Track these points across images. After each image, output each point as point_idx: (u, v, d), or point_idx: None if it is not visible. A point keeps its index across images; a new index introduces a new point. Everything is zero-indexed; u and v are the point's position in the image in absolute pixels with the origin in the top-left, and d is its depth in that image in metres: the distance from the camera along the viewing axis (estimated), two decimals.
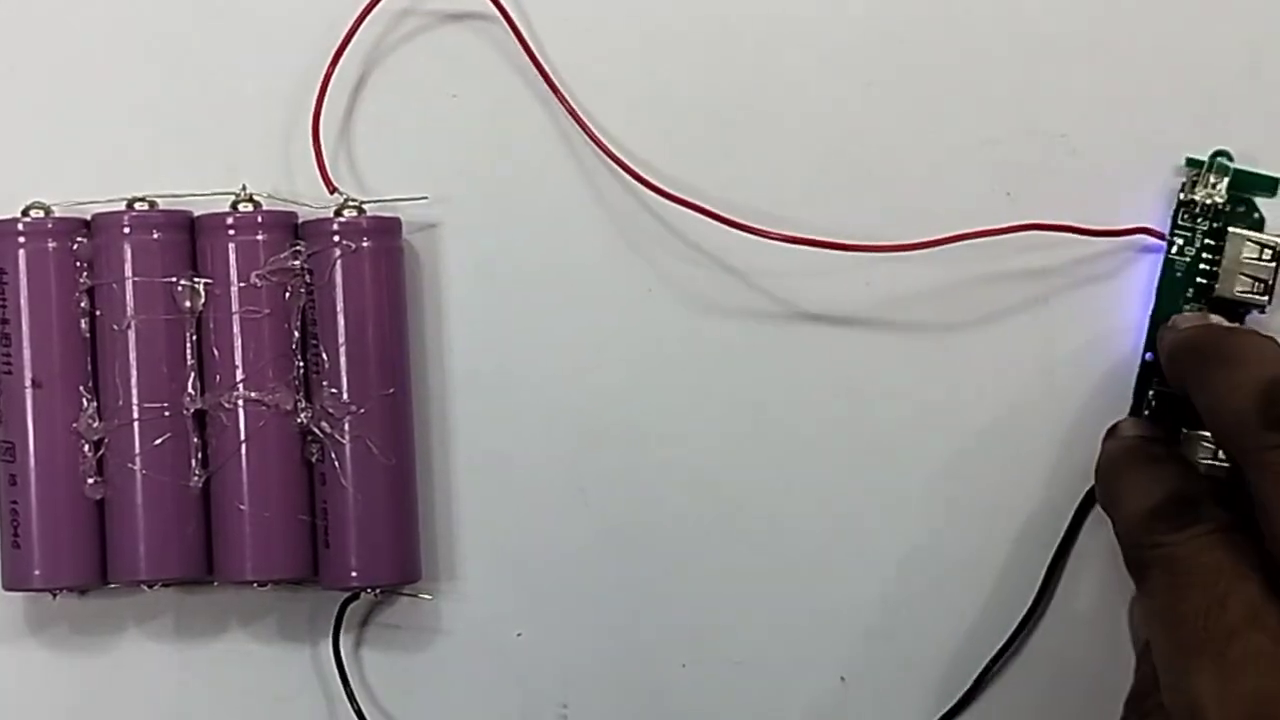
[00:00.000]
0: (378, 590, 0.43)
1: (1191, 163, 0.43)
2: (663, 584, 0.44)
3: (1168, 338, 0.41)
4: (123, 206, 0.42)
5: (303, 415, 0.42)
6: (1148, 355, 0.43)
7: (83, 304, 0.42)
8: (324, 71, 0.43)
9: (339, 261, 0.42)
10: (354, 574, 0.42)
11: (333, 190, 0.43)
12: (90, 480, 0.42)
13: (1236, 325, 0.42)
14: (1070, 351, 0.44)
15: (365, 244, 0.42)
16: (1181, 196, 0.43)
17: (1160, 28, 0.44)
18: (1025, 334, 0.44)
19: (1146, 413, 0.43)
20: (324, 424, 0.42)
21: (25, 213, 0.42)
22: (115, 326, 0.42)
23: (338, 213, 0.42)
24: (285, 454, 0.42)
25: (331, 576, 0.43)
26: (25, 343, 0.42)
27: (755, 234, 0.43)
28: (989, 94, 0.44)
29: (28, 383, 0.42)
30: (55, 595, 0.43)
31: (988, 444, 0.44)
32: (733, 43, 0.44)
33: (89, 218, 0.43)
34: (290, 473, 0.42)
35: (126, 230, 0.42)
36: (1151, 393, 0.43)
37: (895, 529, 0.44)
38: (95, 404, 0.42)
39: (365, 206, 0.43)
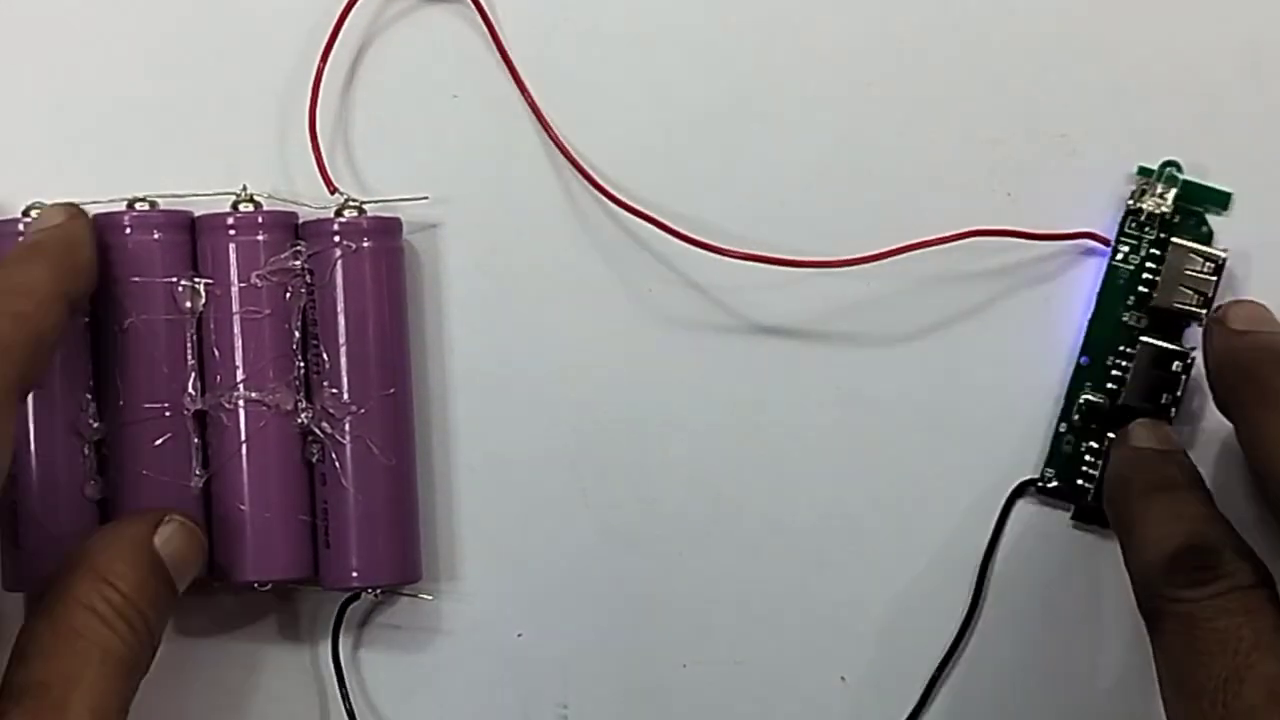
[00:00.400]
0: (378, 590, 0.43)
1: (1143, 171, 0.43)
2: (663, 584, 0.44)
3: (1217, 342, 0.41)
4: (123, 206, 0.42)
5: (303, 415, 0.42)
6: (1083, 359, 0.43)
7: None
8: (315, 68, 0.43)
9: (339, 262, 0.42)
10: (354, 574, 0.42)
11: (333, 190, 0.43)
12: (90, 481, 0.42)
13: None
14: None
15: (366, 244, 0.42)
16: (1130, 204, 0.43)
17: (1160, 28, 0.44)
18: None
19: (1077, 418, 0.43)
20: (324, 424, 0.42)
21: (26, 213, 0.42)
22: (116, 326, 0.42)
23: (338, 213, 0.42)
24: (286, 454, 0.42)
25: (332, 577, 0.42)
26: None
27: (709, 250, 0.43)
28: (989, 94, 0.44)
29: None
30: None
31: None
32: (732, 43, 0.44)
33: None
34: (291, 473, 0.42)
35: (127, 230, 0.42)
36: (1082, 399, 0.43)
37: (895, 529, 0.44)
38: (95, 404, 0.42)
39: (366, 207, 0.43)
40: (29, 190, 0.43)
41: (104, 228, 0.42)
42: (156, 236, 0.42)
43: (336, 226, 0.42)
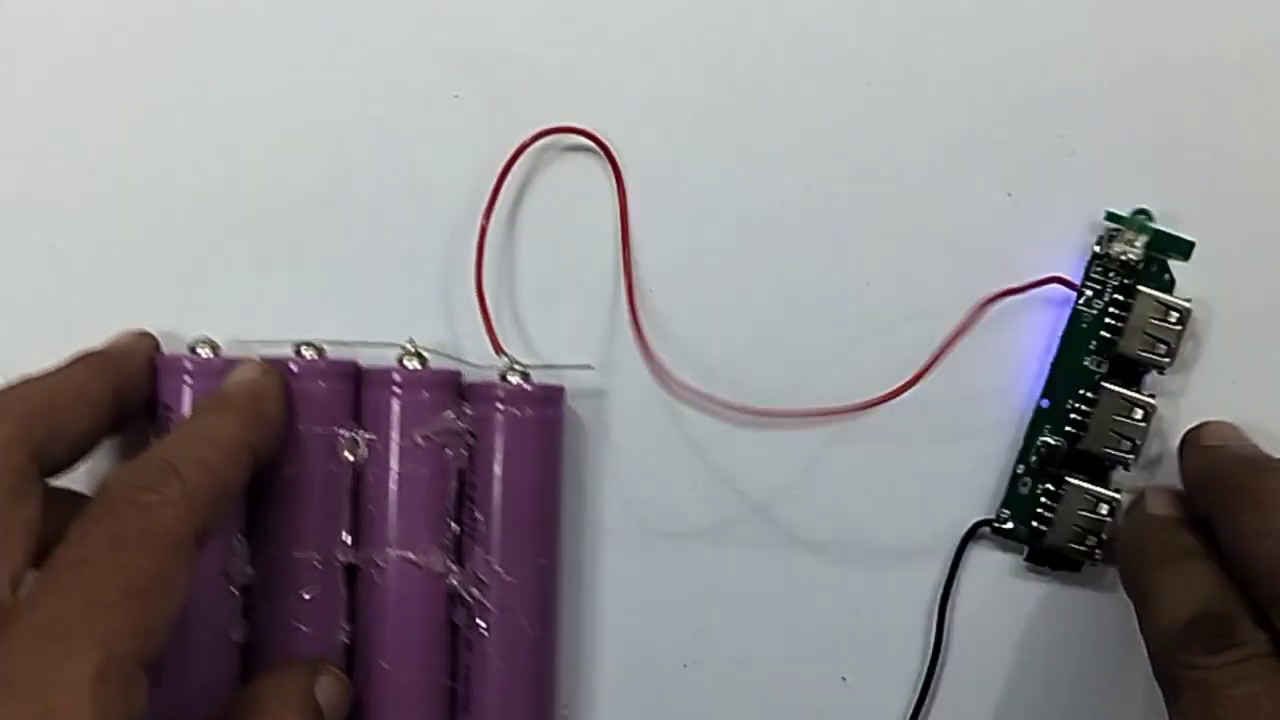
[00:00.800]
0: None
1: (1112, 217, 0.43)
2: (663, 584, 0.44)
3: (1191, 459, 0.42)
4: (289, 350, 0.42)
5: (453, 578, 0.42)
6: (1043, 402, 0.43)
7: None
8: (479, 224, 0.43)
9: (501, 428, 0.42)
10: None
11: (499, 352, 0.43)
12: (236, 625, 0.42)
13: (1263, 453, 0.41)
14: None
15: (529, 412, 0.42)
16: (1097, 249, 0.43)
17: (1160, 28, 0.44)
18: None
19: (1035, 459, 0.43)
20: (474, 589, 0.42)
21: (193, 350, 0.42)
22: (274, 472, 0.42)
23: (503, 376, 0.42)
24: (432, 616, 0.42)
25: None
26: None
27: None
28: (989, 94, 0.44)
29: None
30: None
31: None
32: (732, 43, 0.44)
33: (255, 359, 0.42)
34: (435, 635, 0.42)
35: (293, 377, 0.42)
36: (1040, 440, 0.44)
37: (894, 530, 0.44)
38: (248, 548, 0.42)
39: (530, 372, 0.42)
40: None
41: None
42: (322, 385, 0.42)
43: (501, 393, 0.42)
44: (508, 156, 0.43)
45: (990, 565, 0.44)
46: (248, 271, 0.45)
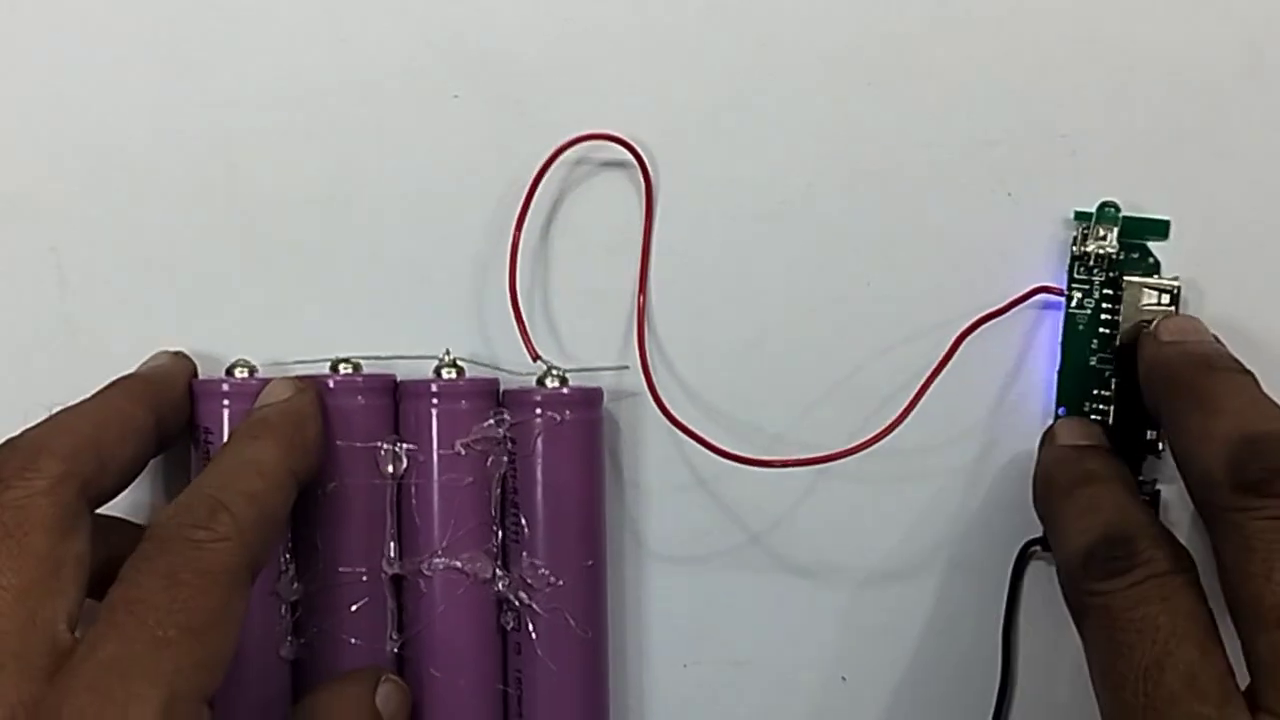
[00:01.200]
0: None
1: (1080, 216, 0.43)
2: (664, 584, 0.45)
3: (1147, 352, 0.41)
4: (326, 368, 0.43)
5: (500, 584, 0.42)
6: (1060, 410, 0.43)
7: None
8: (511, 235, 0.43)
9: (541, 433, 0.42)
10: None
11: (535, 358, 0.43)
12: (286, 641, 0.42)
13: (1220, 351, 0.41)
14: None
15: (568, 415, 0.42)
16: (1074, 250, 0.43)
17: (1160, 28, 0.44)
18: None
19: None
20: (521, 593, 0.42)
21: (230, 372, 0.43)
22: (318, 489, 0.42)
23: (540, 382, 0.42)
24: (481, 622, 0.42)
25: None
26: None
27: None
28: (989, 94, 0.44)
29: None
30: None
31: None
32: (732, 43, 0.44)
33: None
34: (485, 641, 0.42)
35: (331, 393, 0.42)
36: None
37: (894, 530, 0.44)
38: (294, 566, 0.42)
39: (567, 375, 0.43)
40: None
41: None
42: (361, 401, 0.42)
43: (539, 397, 0.42)
44: (536, 168, 0.43)
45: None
46: (248, 270, 0.45)
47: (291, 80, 0.44)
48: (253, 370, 0.43)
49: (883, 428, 0.42)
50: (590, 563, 0.42)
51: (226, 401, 0.42)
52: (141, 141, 0.45)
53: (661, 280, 0.44)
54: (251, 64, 0.45)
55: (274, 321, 0.44)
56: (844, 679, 0.45)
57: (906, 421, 0.42)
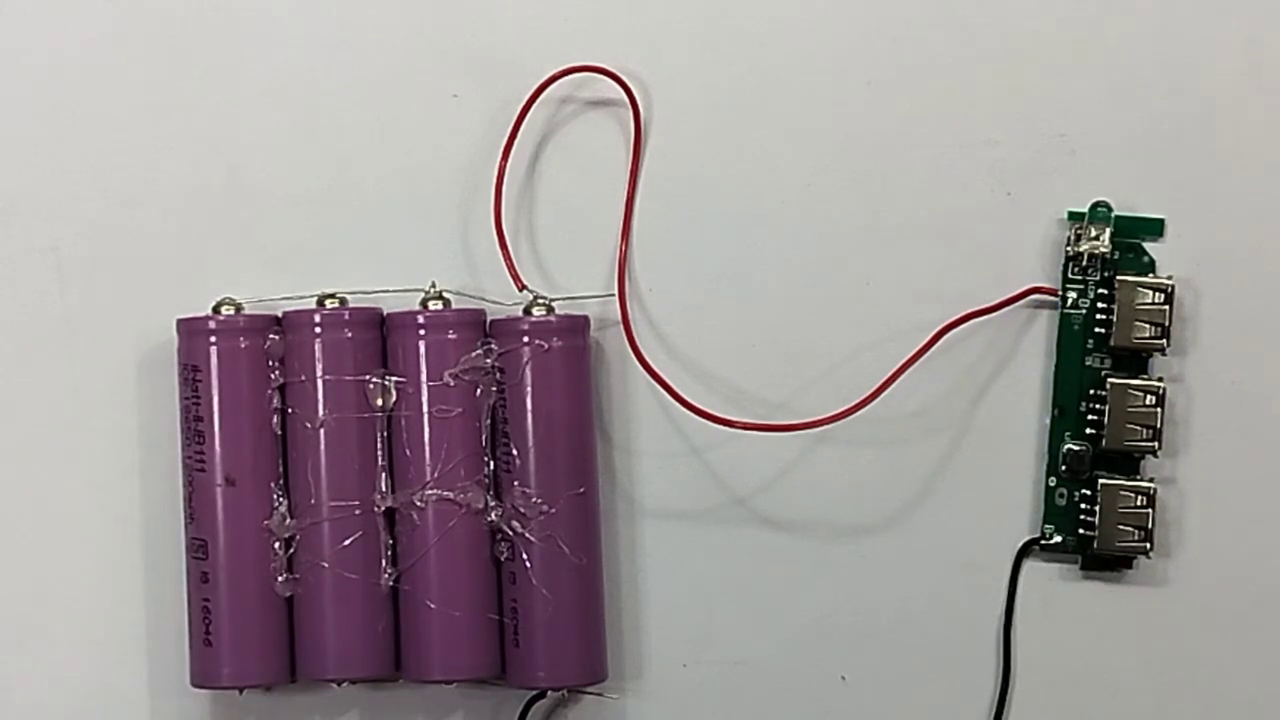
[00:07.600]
0: (564, 690, 0.43)
1: (1073, 216, 0.43)
2: (665, 583, 0.44)
3: None
4: (313, 304, 0.43)
5: (493, 514, 0.42)
6: (1055, 411, 0.43)
7: (274, 402, 0.42)
8: (497, 166, 0.44)
9: (530, 361, 0.42)
10: (541, 674, 0.42)
11: (521, 287, 0.43)
12: (281, 578, 0.42)
13: None
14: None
15: (556, 343, 0.42)
16: (1068, 250, 0.43)
17: (1159, 28, 0.44)
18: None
19: (1064, 468, 0.43)
20: (514, 523, 0.42)
21: (216, 310, 0.43)
22: (307, 424, 0.42)
23: (527, 311, 0.42)
24: (475, 552, 0.42)
25: (519, 676, 0.42)
26: (217, 440, 0.42)
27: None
28: (989, 94, 0.44)
29: (220, 480, 0.42)
30: (241, 692, 0.43)
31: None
32: (732, 42, 0.44)
33: (279, 314, 0.43)
34: (479, 571, 0.42)
35: (318, 328, 0.42)
36: (1064, 449, 0.43)
37: (894, 529, 0.44)
38: (287, 502, 0.42)
39: (554, 304, 0.43)
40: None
41: (295, 325, 0.42)
42: (348, 335, 0.42)
43: (526, 326, 0.42)
44: (523, 99, 0.44)
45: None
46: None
47: (292, 80, 0.45)
48: (239, 307, 0.43)
49: (853, 403, 0.43)
50: (582, 490, 0.42)
51: (213, 339, 0.42)
52: (141, 141, 0.45)
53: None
54: (251, 64, 0.45)
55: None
56: (844, 679, 0.44)
57: (906, 422, 0.43)
